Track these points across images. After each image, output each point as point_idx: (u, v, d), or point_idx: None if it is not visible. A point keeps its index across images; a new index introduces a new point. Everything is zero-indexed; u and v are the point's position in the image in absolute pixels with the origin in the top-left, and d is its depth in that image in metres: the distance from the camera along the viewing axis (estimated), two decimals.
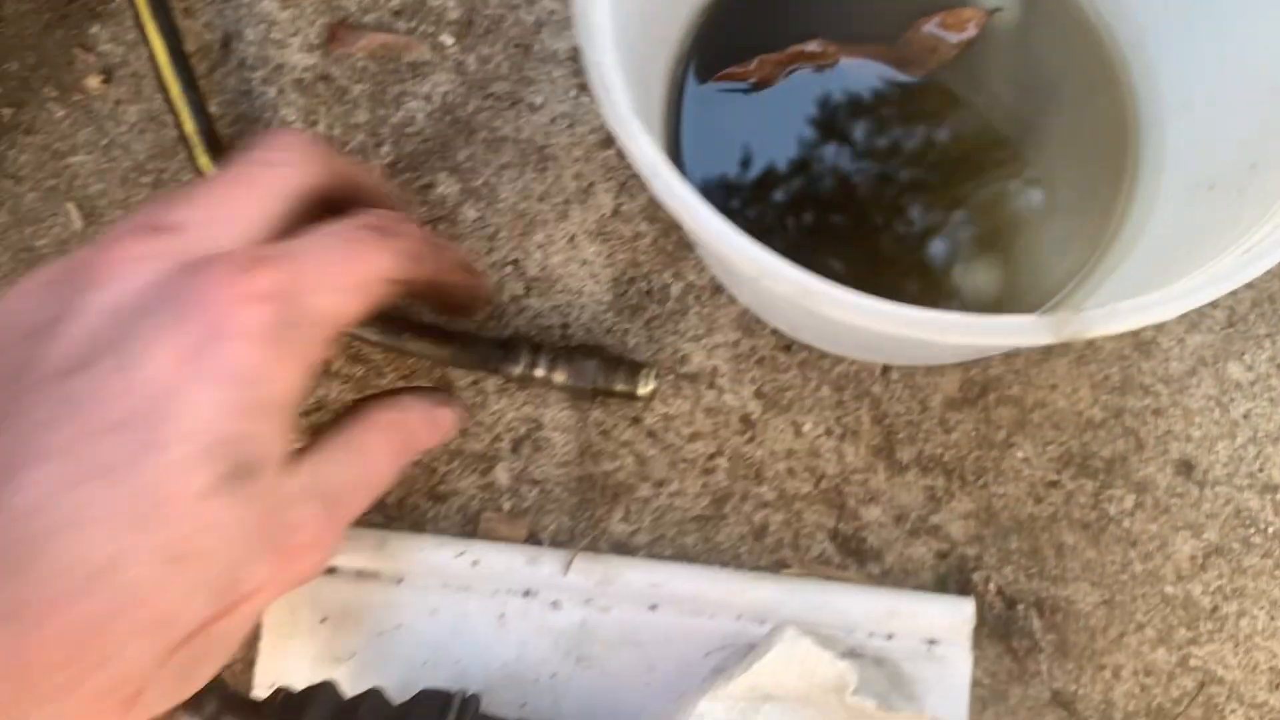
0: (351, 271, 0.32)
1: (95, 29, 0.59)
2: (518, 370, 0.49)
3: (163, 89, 0.53)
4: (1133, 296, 0.39)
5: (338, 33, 0.58)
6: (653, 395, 0.49)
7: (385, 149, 0.57)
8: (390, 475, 0.38)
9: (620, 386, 0.49)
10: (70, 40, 0.59)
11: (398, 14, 0.58)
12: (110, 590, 0.24)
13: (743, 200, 0.53)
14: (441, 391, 0.44)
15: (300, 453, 0.33)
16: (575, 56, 0.57)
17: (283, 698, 0.44)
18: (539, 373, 0.48)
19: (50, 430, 0.25)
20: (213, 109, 0.57)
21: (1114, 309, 0.34)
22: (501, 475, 0.54)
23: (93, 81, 0.58)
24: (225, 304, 0.27)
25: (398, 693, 0.46)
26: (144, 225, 0.30)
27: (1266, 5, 0.45)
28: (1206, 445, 0.53)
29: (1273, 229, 0.36)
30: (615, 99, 0.35)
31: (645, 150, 0.35)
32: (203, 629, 0.27)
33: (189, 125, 0.52)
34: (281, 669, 0.51)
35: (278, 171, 0.33)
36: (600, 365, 0.49)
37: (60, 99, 0.59)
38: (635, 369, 0.49)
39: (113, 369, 0.26)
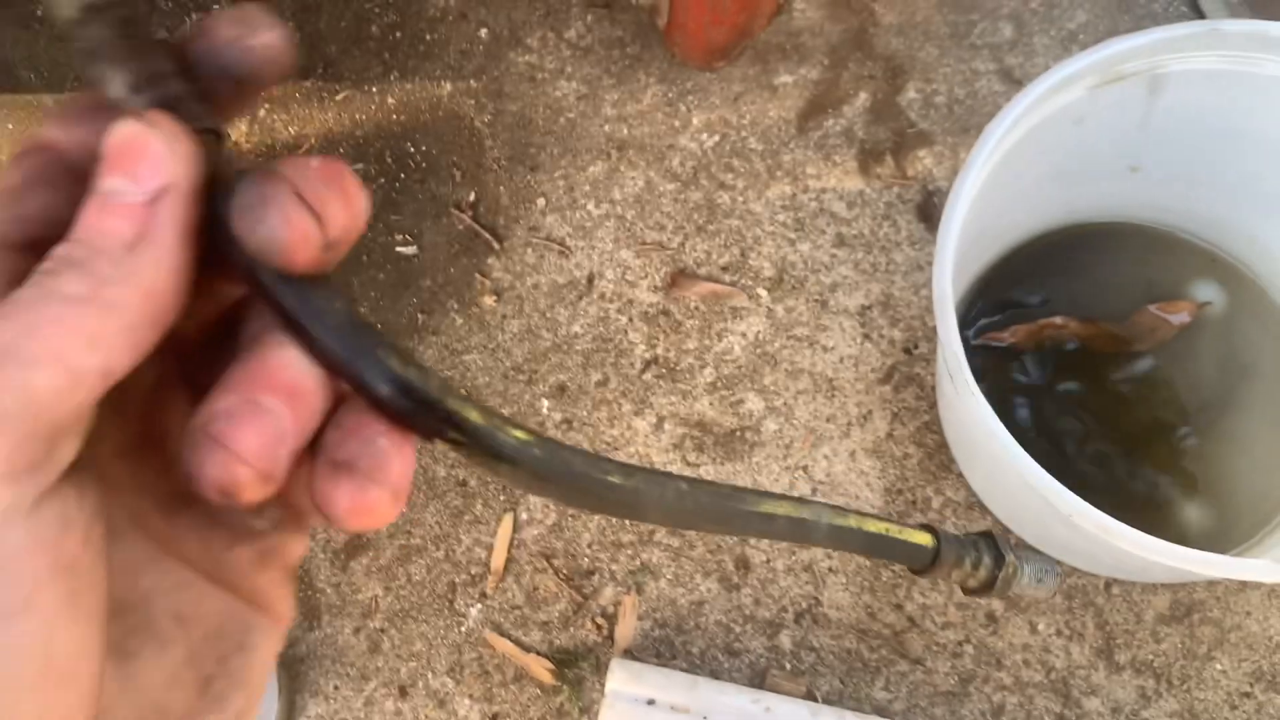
0: None
1: (491, 260, 0.77)
2: None
3: None
4: None
5: (677, 280, 0.75)
6: None
7: (708, 370, 0.73)
8: None
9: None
10: (472, 267, 0.77)
11: (724, 269, 0.75)
12: None
13: None
14: None
15: None
16: (862, 312, 0.74)
17: None
18: None
19: None
20: (576, 328, 0.74)
21: None
22: (785, 640, 0.68)
23: (487, 299, 0.76)
24: None
25: None
26: None
27: None
28: None
29: None
30: (967, 378, 0.51)
31: (989, 419, 0.50)
32: None
33: None
34: None
35: None
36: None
37: (461, 310, 0.77)
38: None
39: None
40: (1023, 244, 0.71)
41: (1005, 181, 0.61)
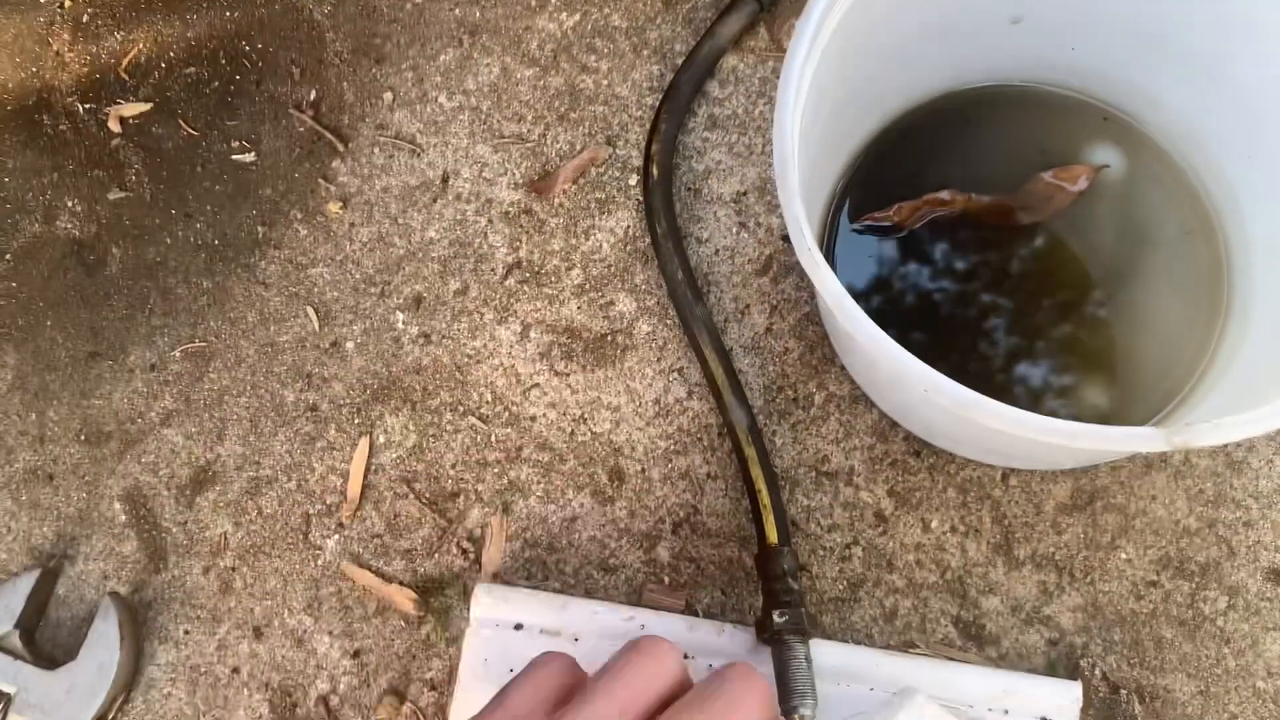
0: None
1: (336, 163, 0.71)
2: None
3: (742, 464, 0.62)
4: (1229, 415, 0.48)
5: (540, 174, 0.69)
6: None
7: (575, 272, 0.67)
8: None
9: None
10: (315, 172, 0.71)
11: (590, 160, 0.69)
12: None
13: (884, 321, 0.62)
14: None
15: None
16: (737, 199, 0.68)
17: None
18: None
19: None
20: (431, 233, 0.68)
21: (1217, 424, 0.42)
22: (663, 553, 0.63)
23: (332, 206, 0.70)
24: None
25: None
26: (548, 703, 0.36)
27: None
28: None
29: None
30: (809, 243, 0.45)
31: (832, 285, 0.45)
32: None
33: (765, 497, 0.60)
34: (472, 711, 0.59)
35: (659, 669, 0.37)
36: None
37: (305, 220, 0.70)
38: None
39: None
40: (903, 114, 0.65)
41: (865, 38, 0.55)
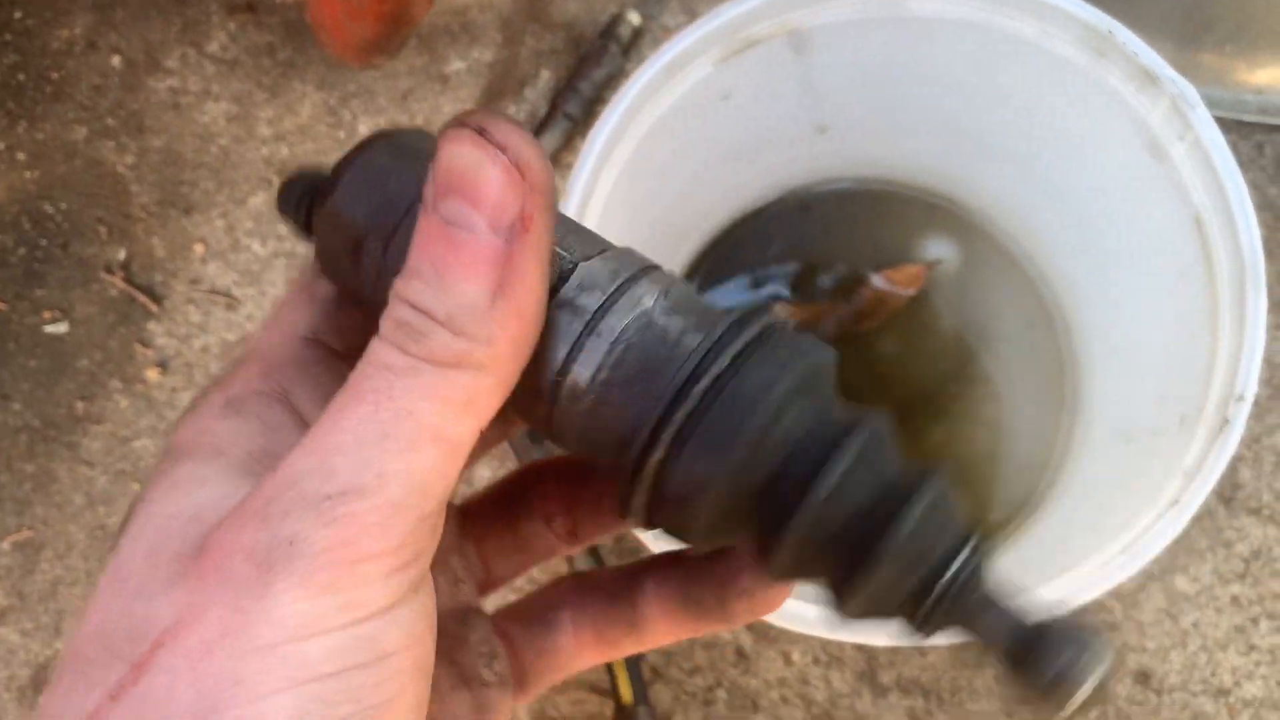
0: None
1: (152, 325, 0.67)
2: None
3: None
4: (1065, 537, 0.46)
5: None
6: None
7: None
8: None
9: None
10: (131, 337, 0.67)
11: None
12: None
13: None
14: None
15: None
16: None
17: None
18: None
19: None
20: None
21: None
22: (520, 711, 0.60)
23: (151, 373, 0.67)
24: None
25: None
26: None
27: (1165, 280, 0.51)
28: (1160, 655, 0.58)
29: (1148, 526, 0.42)
30: None
31: None
32: None
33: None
34: None
35: None
36: None
37: (125, 390, 0.67)
38: None
39: None
40: (729, 226, 0.63)
41: (662, 170, 0.52)
